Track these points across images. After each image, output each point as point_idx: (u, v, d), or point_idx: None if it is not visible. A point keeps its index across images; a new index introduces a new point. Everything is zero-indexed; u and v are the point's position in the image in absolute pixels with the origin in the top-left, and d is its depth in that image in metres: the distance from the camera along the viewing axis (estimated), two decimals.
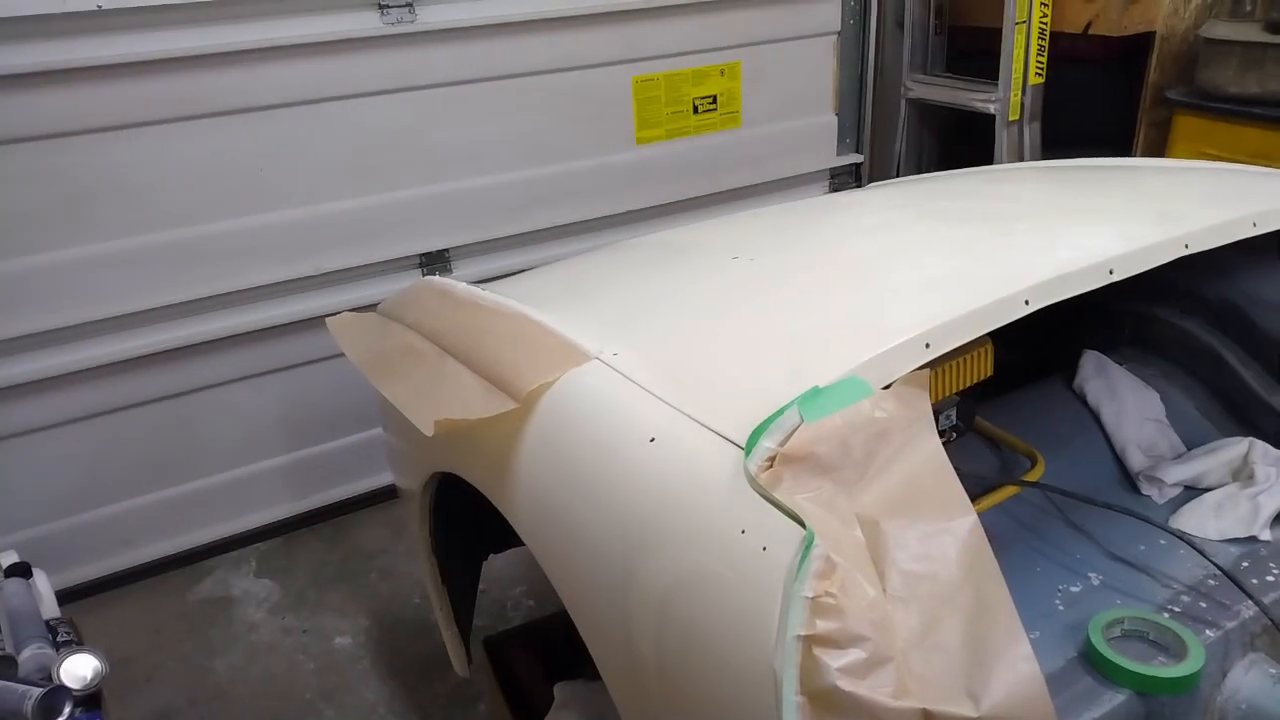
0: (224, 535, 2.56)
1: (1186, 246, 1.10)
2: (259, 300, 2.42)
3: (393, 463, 1.71)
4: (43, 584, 1.35)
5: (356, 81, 2.36)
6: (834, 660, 0.67)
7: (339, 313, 1.84)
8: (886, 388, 0.86)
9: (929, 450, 0.81)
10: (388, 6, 2.34)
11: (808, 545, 0.70)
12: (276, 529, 2.62)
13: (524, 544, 1.27)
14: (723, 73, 2.91)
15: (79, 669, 1.08)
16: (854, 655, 0.67)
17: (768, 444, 0.79)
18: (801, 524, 0.72)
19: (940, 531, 0.75)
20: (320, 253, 2.45)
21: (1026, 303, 0.96)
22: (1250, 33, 2.49)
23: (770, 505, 0.75)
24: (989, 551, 0.73)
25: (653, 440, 0.87)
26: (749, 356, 0.96)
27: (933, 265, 1.09)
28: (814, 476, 0.79)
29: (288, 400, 2.57)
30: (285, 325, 2.46)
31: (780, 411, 0.81)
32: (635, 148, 2.85)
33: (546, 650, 1.80)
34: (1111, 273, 1.03)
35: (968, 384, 1.25)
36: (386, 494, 2.68)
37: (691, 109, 2.90)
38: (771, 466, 0.79)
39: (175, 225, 2.26)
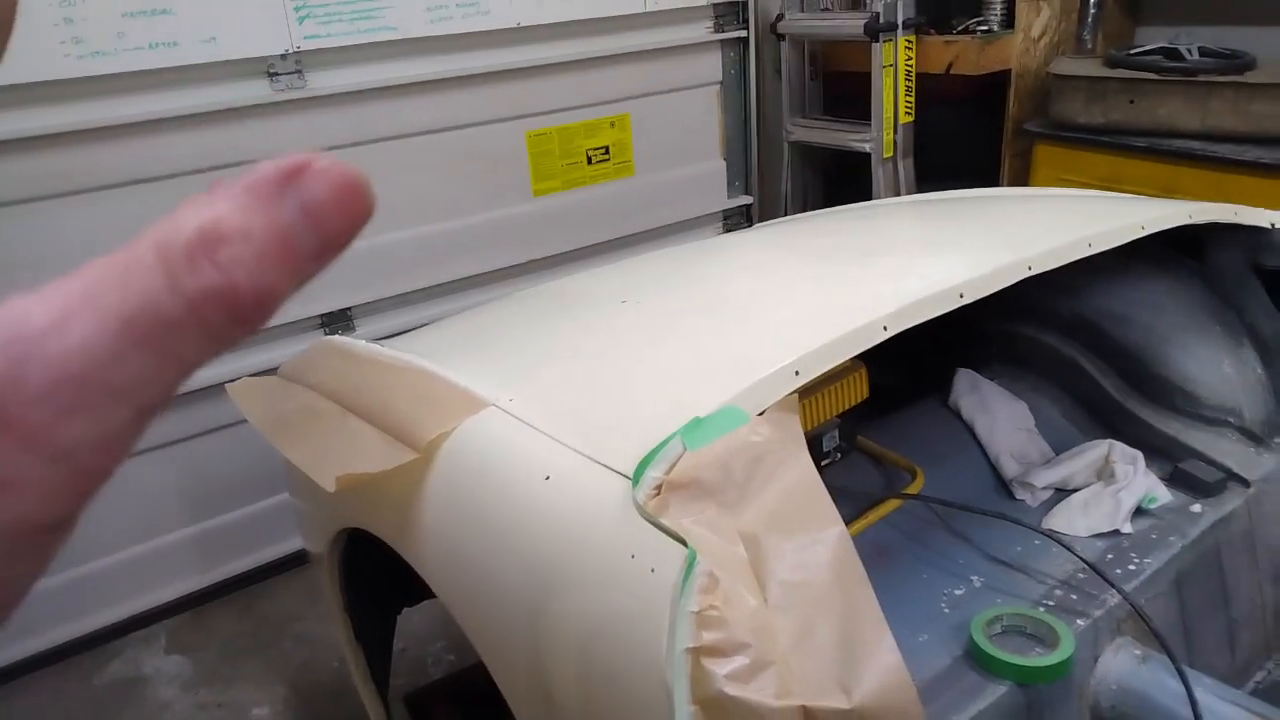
0: (131, 613, 2.49)
1: (1030, 268, 1.21)
2: None
3: (301, 526, 1.71)
4: None
5: (248, 148, 2.37)
6: (720, 668, 0.72)
7: (240, 378, 1.84)
8: (761, 414, 0.93)
9: (801, 469, 0.88)
10: (277, 74, 2.37)
11: (690, 563, 0.75)
12: (186, 603, 2.56)
13: (435, 596, 1.30)
14: (613, 124, 3.01)
15: None
16: (738, 662, 0.72)
17: (654, 474, 0.85)
18: (684, 543, 0.77)
19: (813, 543, 0.82)
20: None
21: (885, 328, 1.05)
22: (1092, 68, 2.70)
23: (657, 530, 0.81)
24: (856, 558, 0.80)
25: (548, 478, 0.92)
26: (635, 394, 1.02)
27: (801, 299, 1.17)
28: (698, 500, 0.85)
29: (190, 471, 2.53)
30: (184, 395, 2.42)
31: (664, 442, 0.87)
32: (533, 199, 2.92)
33: (467, 702, 1.81)
34: (961, 296, 1.12)
35: (847, 406, 1.34)
36: (297, 560, 2.64)
37: (585, 160, 2.99)
38: (659, 494, 0.84)
39: None
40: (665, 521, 0.80)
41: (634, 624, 0.78)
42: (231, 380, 1.79)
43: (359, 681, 1.55)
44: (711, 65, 3.18)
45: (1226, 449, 1.52)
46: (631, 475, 0.86)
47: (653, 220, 3.15)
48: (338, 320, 2.65)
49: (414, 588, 1.41)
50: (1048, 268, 1.23)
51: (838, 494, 1.35)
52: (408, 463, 1.03)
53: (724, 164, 3.30)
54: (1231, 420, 1.55)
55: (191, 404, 2.44)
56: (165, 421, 2.42)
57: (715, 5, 3.11)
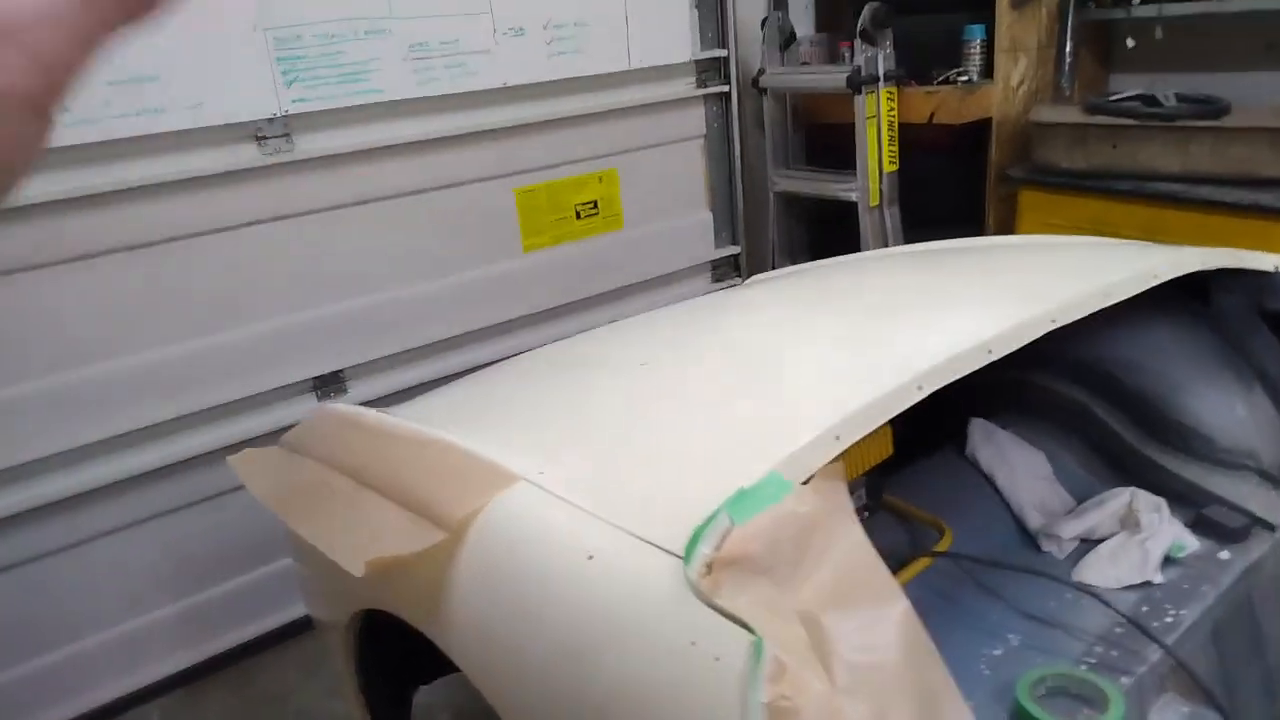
0: (121, 694, 2.38)
1: (1054, 321, 1.20)
2: (142, 443, 2.32)
3: (308, 596, 1.65)
4: None
5: (237, 213, 2.34)
6: None
7: (232, 446, 1.79)
8: (805, 482, 0.91)
9: (854, 540, 0.85)
10: (265, 138, 2.35)
11: (759, 650, 0.72)
12: (177, 680, 2.46)
13: (454, 671, 1.25)
14: (600, 179, 3.01)
15: None
16: None
17: (704, 550, 0.82)
18: (749, 629, 0.74)
19: (877, 620, 0.79)
20: (208, 387, 2.37)
21: (920, 388, 1.03)
22: (1072, 115, 2.75)
23: (716, 613, 0.77)
24: (925, 635, 0.77)
25: (591, 558, 0.88)
26: (673, 464, 0.99)
27: (830, 360, 1.16)
28: (751, 578, 0.82)
29: (179, 543, 2.45)
30: (171, 465, 2.35)
31: (712, 517, 0.84)
32: (523, 255, 2.91)
33: None
34: (990, 352, 1.11)
35: (872, 465, 1.32)
36: (292, 630, 2.56)
37: (574, 215, 2.98)
38: (710, 573, 0.81)
39: (46, 373, 2.16)
40: (724, 604, 0.77)
41: (698, 716, 0.74)
42: (223, 448, 1.75)
43: None
44: (695, 120, 3.20)
45: (1248, 493, 1.51)
46: (680, 553, 0.82)
47: (642, 272, 3.15)
48: (330, 383, 2.60)
49: (432, 663, 1.36)
50: (1070, 319, 1.22)
51: None
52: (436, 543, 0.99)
53: (711, 215, 3.31)
54: (1249, 464, 1.55)
55: (178, 474, 2.37)
56: (151, 493, 2.35)
57: (698, 62, 3.13)
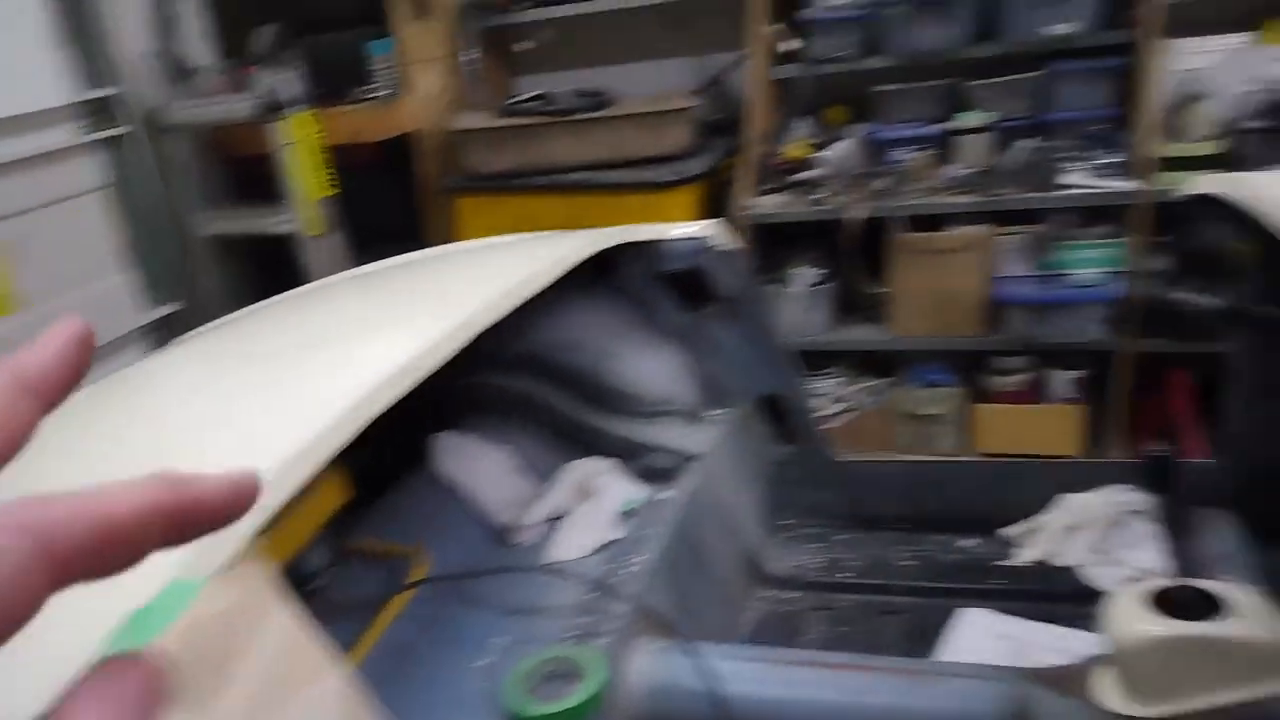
0: None
1: (468, 333, 1.23)
2: None
3: None
4: None
5: None
6: None
7: None
8: (222, 574, 0.81)
9: (278, 625, 0.78)
10: None
11: None
12: None
13: None
14: None
15: None
16: None
17: None
18: None
19: (312, 703, 0.73)
20: None
21: (339, 435, 0.98)
22: (486, 120, 2.92)
23: None
24: (365, 702, 0.73)
25: None
26: (46, 614, 0.82)
27: (242, 420, 1.06)
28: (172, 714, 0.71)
29: None
30: None
31: (90, 664, 0.71)
32: None
33: None
34: (413, 376, 1.10)
35: (330, 514, 1.25)
36: None
37: None
38: None
39: None
40: None
41: None
42: None
43: None
44: (90, 170, 2.81)
45: (675, 434, 1.73)
46: None
47: None
48: None
49: None
50: (487, 325, 1.26)
51: (339, 611, 1.26)
52: None
53: (131, 276, 2.94)
54: (671, 409, 1.77)
55: None
56: None
57: (80, 105, 2.75)
